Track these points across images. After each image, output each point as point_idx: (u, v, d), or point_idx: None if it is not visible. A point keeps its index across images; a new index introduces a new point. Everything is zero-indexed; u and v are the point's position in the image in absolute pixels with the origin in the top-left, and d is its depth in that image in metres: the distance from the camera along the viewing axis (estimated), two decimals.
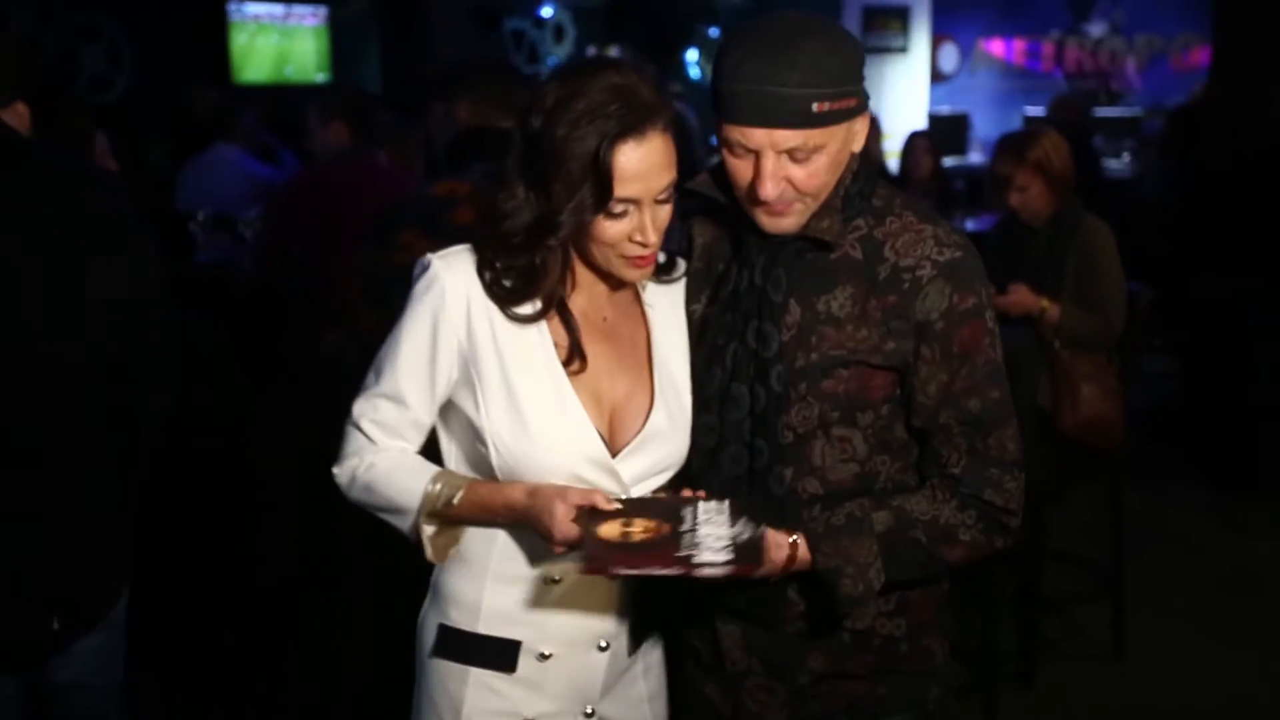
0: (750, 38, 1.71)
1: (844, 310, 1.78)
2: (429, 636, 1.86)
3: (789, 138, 1.68)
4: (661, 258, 1.86)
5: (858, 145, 1.79)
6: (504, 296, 1.74)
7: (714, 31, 14.10)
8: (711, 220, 1.93)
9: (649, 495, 1.79)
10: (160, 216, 4.93)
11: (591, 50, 13.47)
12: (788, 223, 1.77)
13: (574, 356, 1.76)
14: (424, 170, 4.75)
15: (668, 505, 1.72)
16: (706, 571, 1.57)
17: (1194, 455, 5.62)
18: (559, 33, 13.76)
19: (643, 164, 1.66)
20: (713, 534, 1.62)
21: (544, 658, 1.79)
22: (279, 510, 3.80)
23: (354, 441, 1.81)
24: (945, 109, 11.30)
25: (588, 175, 1.64)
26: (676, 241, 1.92)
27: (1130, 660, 4.01)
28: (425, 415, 1.79)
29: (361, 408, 1.80)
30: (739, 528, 1.64)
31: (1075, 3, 12.09)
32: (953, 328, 1.76)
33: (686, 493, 1.77)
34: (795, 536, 1.74)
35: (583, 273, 1.79)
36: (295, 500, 3.71)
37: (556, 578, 1.77)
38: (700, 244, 1.95)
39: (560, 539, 1.64)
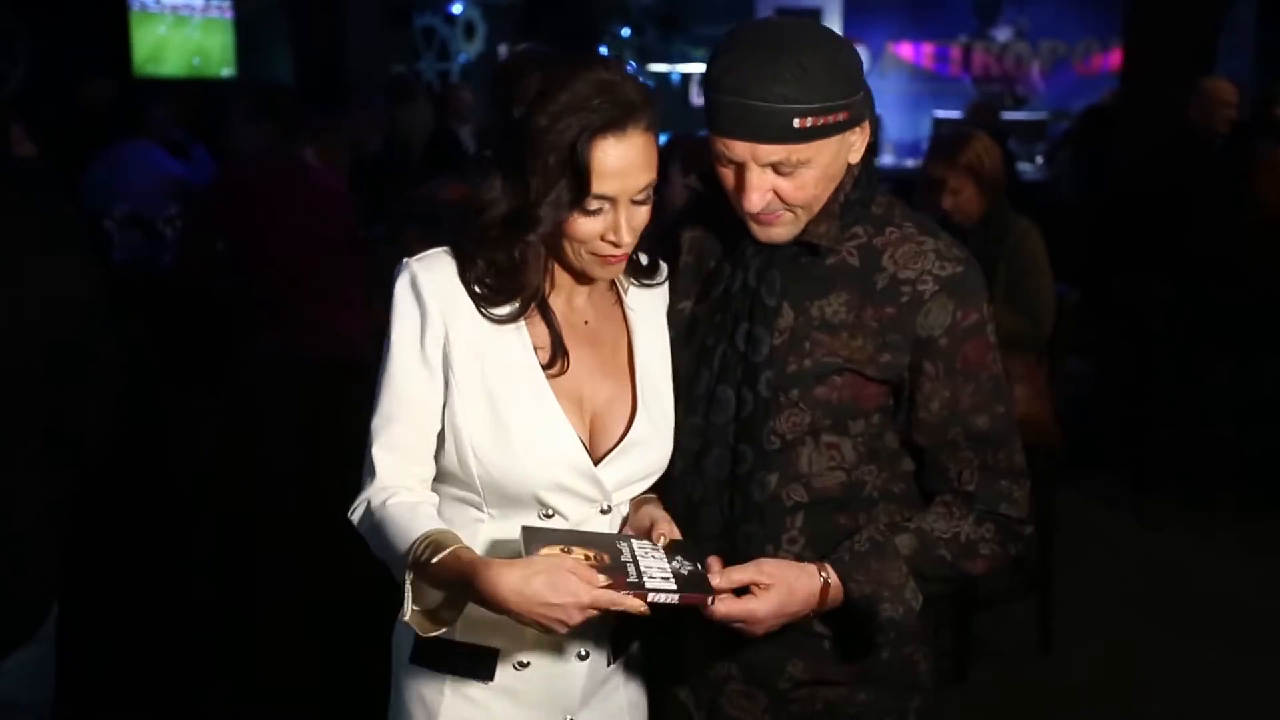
0: (738, 46, 1.66)
1: (839, 317, 1.74)
2: (404, 644, 1.79)
3: (771, 152, 1.64)
4: (644, 260, 1.83)
5: (854, 156, 1.74)
6: (484, 295, 1.68)
7: (626, 31, 14.10)
8: (702, 214, 1.89)
9: (580, 529, 1.71)
10: None
11: (503, 49, 13.40)
12: (779, 232, 1.73)
13: (555, 358, 1.71)
14: (349, 169, 4.68)
15: (603, 539, 1.67)
16: (659, 599, 1.55)
17: (1106, 453, 5.75)
18: (470, 30, 13.65)
19: (622, 161, 1.61)
20: (654, 566, 1.60)
21: (522, 666, 1.75)
22: (210, 514, 3.69)
23: (366, 475, 1.73)
24: None
25: (565, 169, 1.59)
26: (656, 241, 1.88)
27: (1057, 653, 4.08)
28: (432, 429, 1.71)
29: (372, 435, 1.72)
30: (676, 563, 1.62)
31: (982, 8, 12.33)
32: (956, 344, 1.73)
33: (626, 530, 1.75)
34: (825, 574, 1.70)
35: (562, 275, 1.75)
36: (229, 504, 3.61)
37: None
38: (689, 238, 1.91)
39: (589, 602, 1.52)
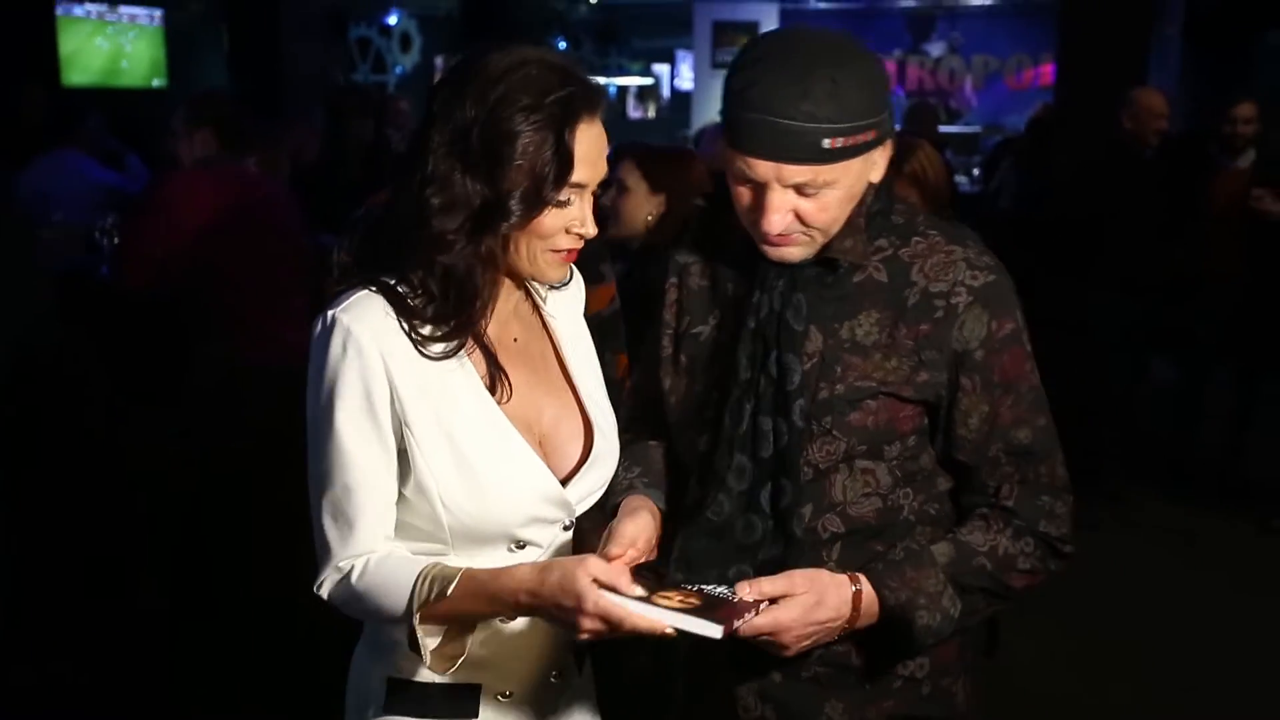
0: (764, 58, 1.56)
1: (870, 338, 1.65)
2: (372, 691, 1.67)
3: (796, 173, 1.55)
4: None
5: (876, 175, 1.65)
6: (422, 332, 1.54)
7: (562, 44, 14.11)
8: (712, 235, 1.80)
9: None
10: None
11: (439, 60, 13.34)
12: (793, 253, 1.64)
13: (496, 384, 1.60)
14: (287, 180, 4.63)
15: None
16: (672, 622, 1.44)
17: None
18: (405, 41, 13.59)
19: (595, 146, 1.55)
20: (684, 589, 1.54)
21: (505, 697, 1.67)
22: (157, 522, 3.62)
23: (326, 555, 1.57)
24: None
25: (548, 155, 1.50)
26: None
27: (1000, 657, 4.12)
28: (392, 489, 1.57)
29: (325, 510, 1.56)
30: (707, 588, 1.56)
31: (915, 23, 12.53)
32: (993, 356, 1.65)
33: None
34: (857, 584, 1.61)
35: (490, 292, 1.61)
36: (173, 511, 3.55)
37: None
38: (699, 261, 1.82)
39: (592, 609, 1.42)
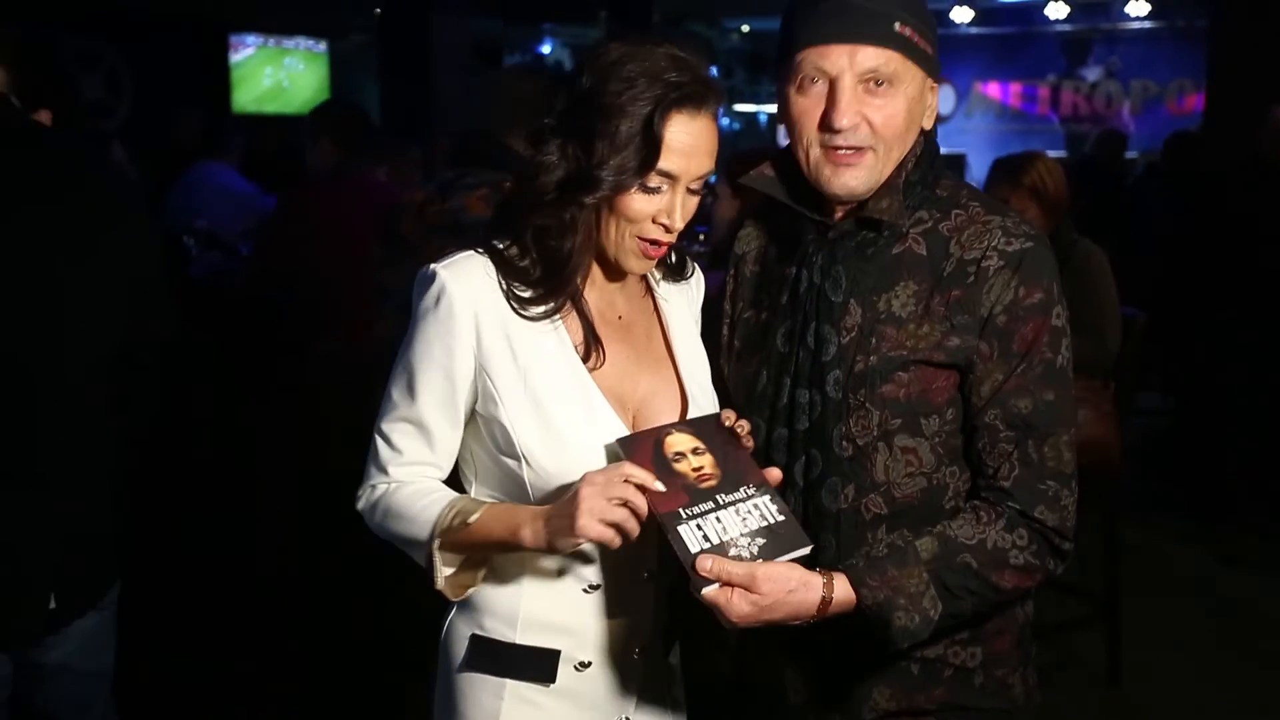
0: None
1: (906, 309, 1.66)
2: (458, 647, 1.74)
3: (869, 55, 1.59)
4: (673, 258, 1.80)
5: (928, 121, 1.70)
6: (521, 292, 1.63)
7: (714, 71, 14.19)
8: (767, 224, 1.85)
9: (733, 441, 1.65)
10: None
11: None
12: (856, 176, 1.64)
13: (590, 353, 1.66)
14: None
15: (739, 469, 1.59)
16: (676, 540, 1.49)
17: (1186, 487, 5.60)
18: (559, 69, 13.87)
19: (692, 139, 1.59)
20: (733, 522, 1.53)
21: (583, 666, 1.70)
22: (279, 513, 3.77)
23: (373, 468, 1.69)
24: (942, 150, 11.36)
25: (636, 136, 1.55)
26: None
27: (1126, 689, 3.96)
28: (450, 438, 1.67)
29: (384, 432, 1.68)
30: (758, 538, 1.53)
31: (1071, 48, 12.22)
32: (1015, 323, 1.63)
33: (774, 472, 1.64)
34: (831, 576, 1.57)
35: (596, 269, 1.70)
36: (295, 502, 3.68)
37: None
38: (755, 249, 1.86)
39: (615, 474, 1.50)
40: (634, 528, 1.50)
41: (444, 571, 1.61)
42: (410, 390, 1.64)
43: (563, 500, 1.53)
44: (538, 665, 1.68)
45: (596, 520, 1.49)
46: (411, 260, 2.59)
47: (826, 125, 1.62)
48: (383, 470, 1.68)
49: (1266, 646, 4.28)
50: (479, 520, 1.57)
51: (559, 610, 1.68)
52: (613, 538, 1.50)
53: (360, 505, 1.71)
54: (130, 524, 2.36)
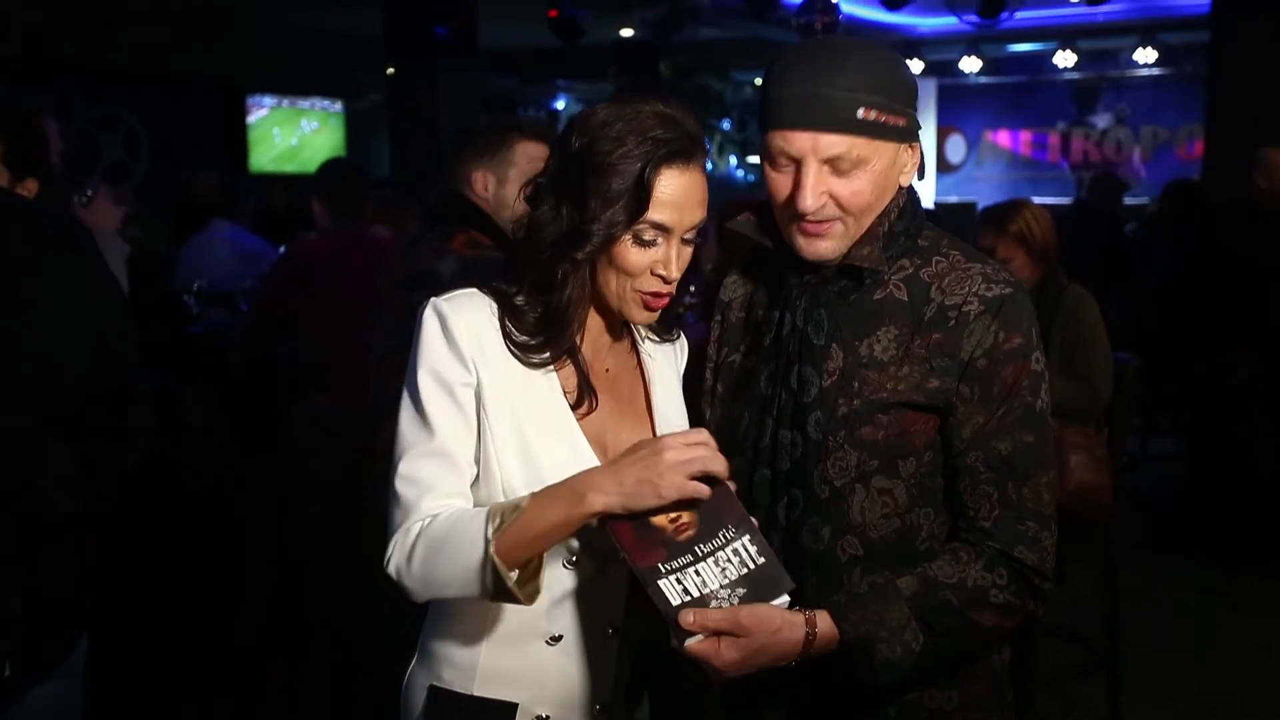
0: (802, 48, 1.67)
1: (887, 353, 1.69)
2: (416, 698, 1.74)
3: (833, 143, 1.62)
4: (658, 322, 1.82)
5: (905, 178, 1.72)
6: (521, 338, 1.66)
7: (726, 124, 14.31)
8: (752, 272, 1.89)
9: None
10: (161, 293, 5.00)
11: None
12: (827, 246, 1.69)
13: (582, 400, 1.70)
14: None
15: (717, 520, 1.58)
16: (656, 594, 1.50)
17: (1198, 534, 5.55)
18: None
19: (682, 192, 1.63)
20: (712, 573, 1.54)
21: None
22: (265, 568, 3.79)
23: (398, 515, 1.62)
24: (953, 198, 11.43)
25: (627, 191, 1.60)
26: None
27: None
28: (473, 467, 1.65)
29: (405, 475, 1.62)
30: (736, 590, 1.54)
31: (1080, 95, 12.27)
32: (995, 367, 1.66)
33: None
34: (814, 614, 1.59)
35: (592, 321, 1.74)
36: (280, 559, 3.70)
37: (573, 564, 1.68)
38: (740, 296, 1.89)
39: (678, 459, 1.51)
40: (706, 486, 1.53)
41: (510, 576, 1.52)
42: (425, 424, 1.62)
43: (631, 461, 1.53)
44: (495, 717, 1.68)
45: (682, 475, 1.51)
46: (383, 317, 2.65)
47: (793, 204, 1.66)
48: (413, 510, 1.60)
49: (1275, 696, 4.23)
50: (530, 505, 1.54)
51: (519, 662, 1.68)
52: (703, 490, 1.52)
53: (391, 566, 1.61)
54: (109, 580, 2.33)
